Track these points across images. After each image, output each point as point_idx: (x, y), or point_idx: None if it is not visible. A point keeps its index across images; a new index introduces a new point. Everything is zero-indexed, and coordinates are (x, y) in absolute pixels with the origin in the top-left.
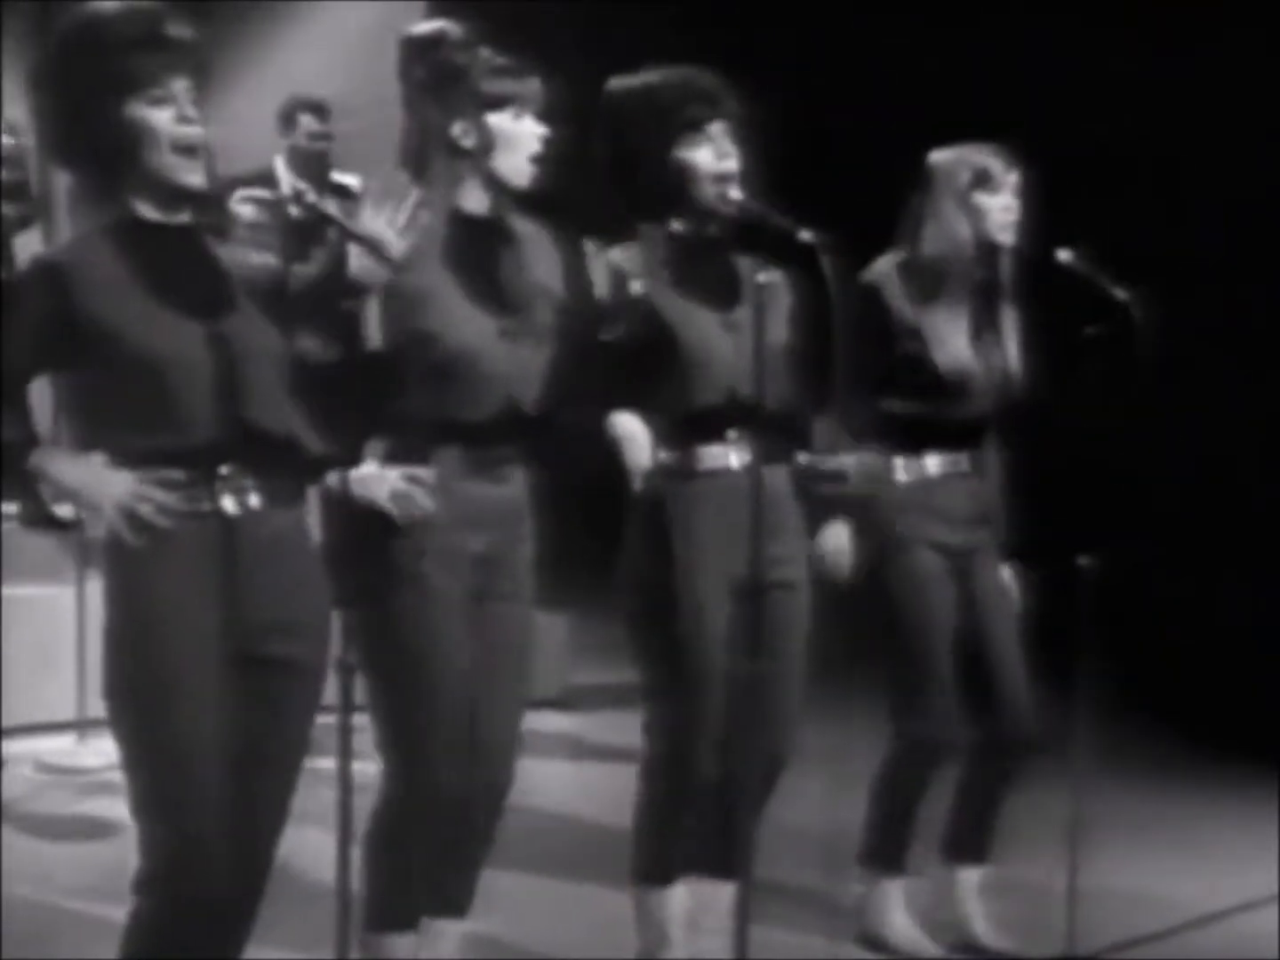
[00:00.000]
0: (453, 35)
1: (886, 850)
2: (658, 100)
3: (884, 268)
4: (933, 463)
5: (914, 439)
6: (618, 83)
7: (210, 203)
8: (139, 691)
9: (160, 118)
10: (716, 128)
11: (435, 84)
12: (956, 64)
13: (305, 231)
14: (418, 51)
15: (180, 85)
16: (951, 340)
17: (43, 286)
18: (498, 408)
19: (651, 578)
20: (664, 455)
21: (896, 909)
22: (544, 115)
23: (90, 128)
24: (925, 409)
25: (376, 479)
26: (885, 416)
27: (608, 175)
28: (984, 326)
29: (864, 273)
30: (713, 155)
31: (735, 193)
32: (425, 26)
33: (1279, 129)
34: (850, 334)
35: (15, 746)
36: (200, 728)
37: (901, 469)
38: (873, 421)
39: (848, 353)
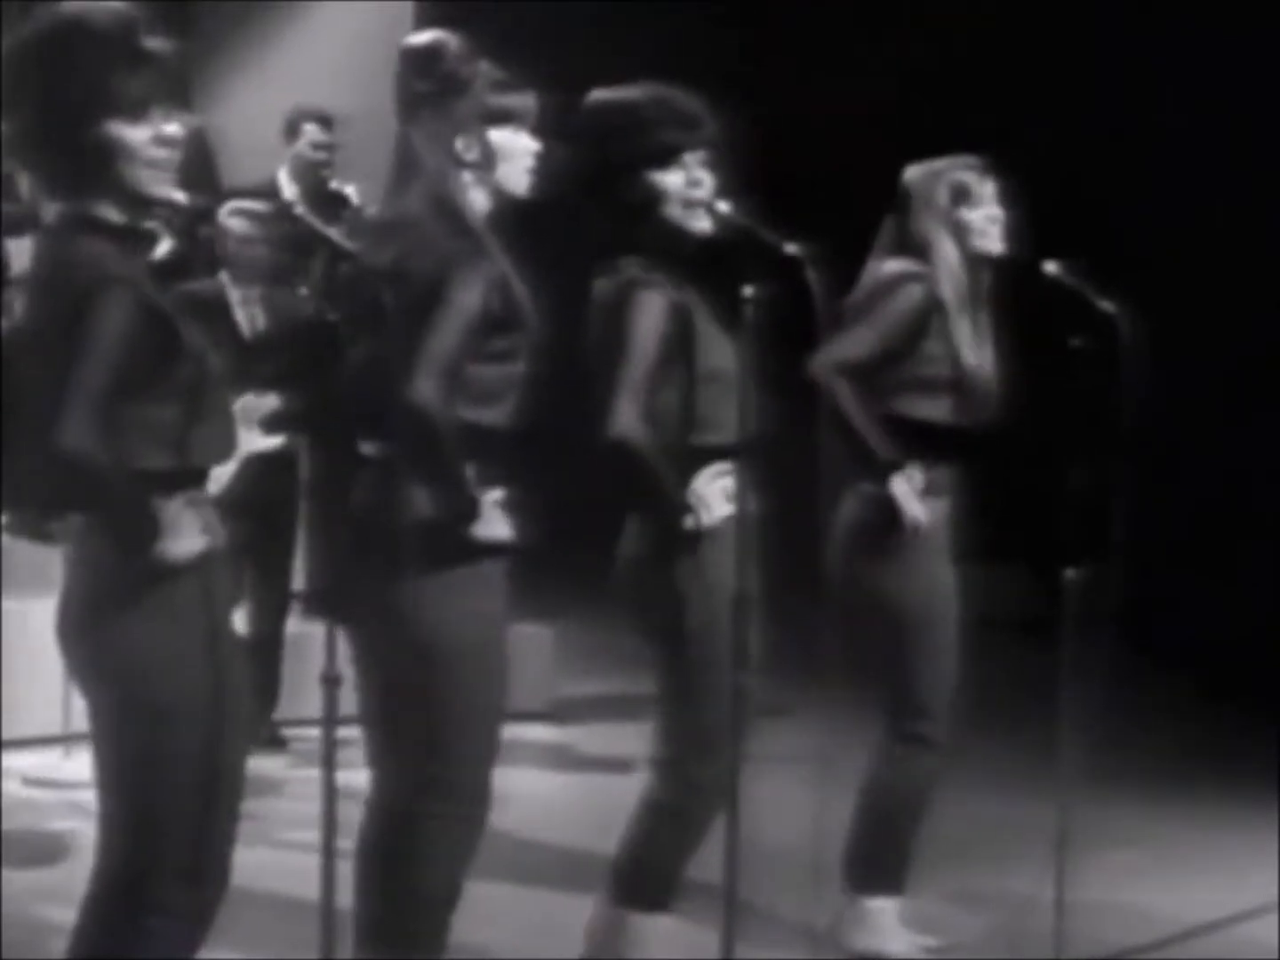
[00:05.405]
0: (454, 47)
1: (886, 865)
2: (635, 120)
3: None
4: (943, 478)
5: (933, 446)
6: (599, 95)
7: (177, 209)
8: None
9: (136, 136)
10: (691, 155)
11: (438, 96)
12: (942, 73)
13: (300, 243)
14: (419, 62)
15: (158, 103)
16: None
17: None
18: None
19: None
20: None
21: (898, 928)
22: (536, 130)
23: (63, 140)
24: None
25: None
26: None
27: (584, 188)
28: (974, 335)
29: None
30: (683, 181)
31: (722, 206)
32: (424, 37)
33: (1274, 136)
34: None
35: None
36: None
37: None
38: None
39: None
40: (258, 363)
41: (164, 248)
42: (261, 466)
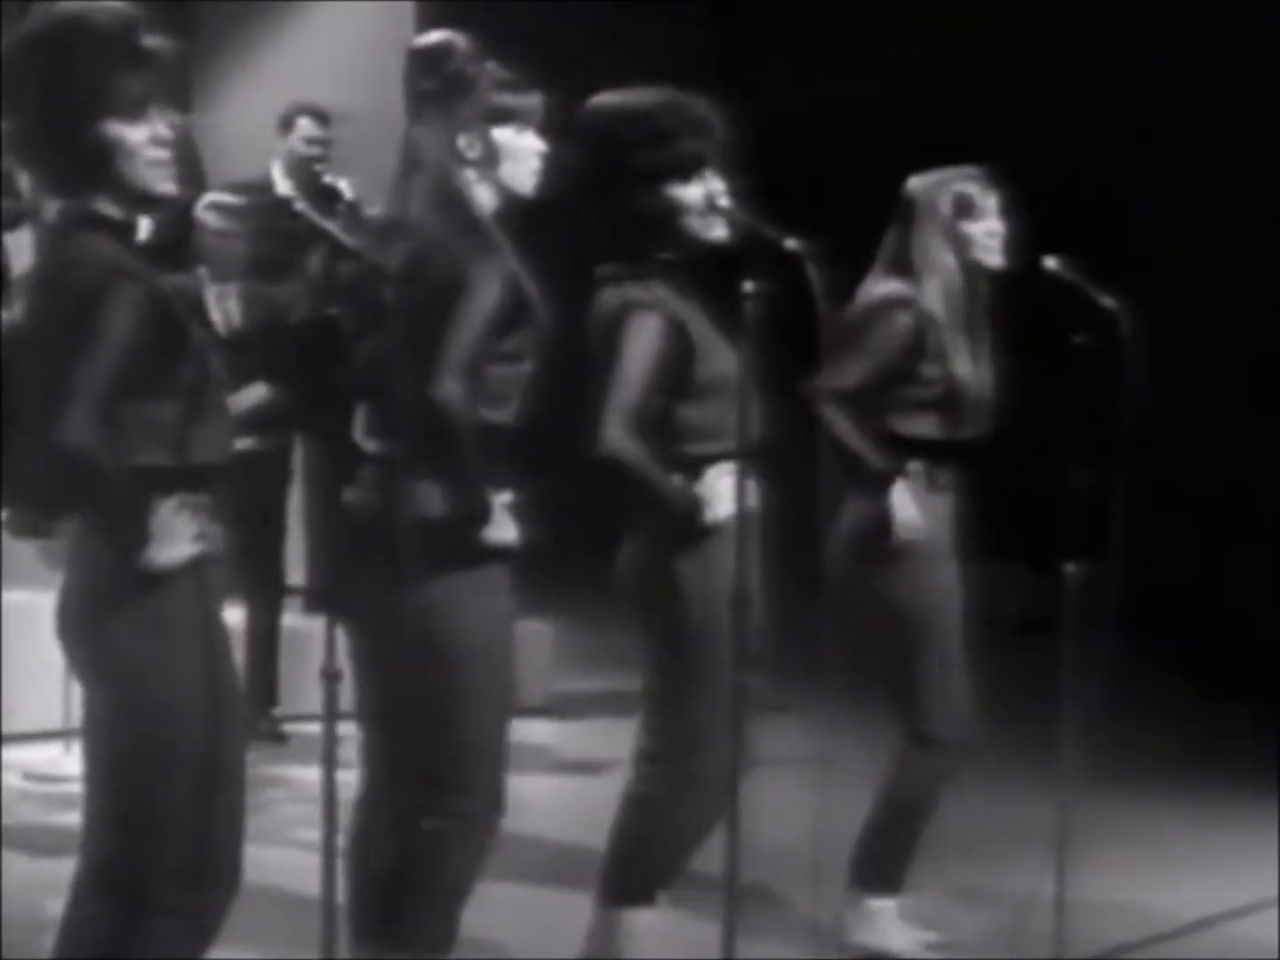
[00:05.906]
0: (461, 47)
1: (890, 864)
2: (652, 130)
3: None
4: (945, 477)
5: (930, 455)
6: (608, 100)
7: (177, 208)
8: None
9: (135, 135)
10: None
11: (444, 95)
12: (942, 73)
13: (297, 239)
14: (426, 62)
15: (156, 102)
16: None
17: None
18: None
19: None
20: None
21: (898, 924)
22: (541, 130)
23: (63, 139)
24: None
25: None
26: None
27: (591, 194)
28: (972, 346)
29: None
30: (702, 192)
31: (724, 202)
32: (432, 37)
33: (1274, 136)
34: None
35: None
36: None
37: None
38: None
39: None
40: (235, 359)
41: (143, 232)
42: (252, 462)
